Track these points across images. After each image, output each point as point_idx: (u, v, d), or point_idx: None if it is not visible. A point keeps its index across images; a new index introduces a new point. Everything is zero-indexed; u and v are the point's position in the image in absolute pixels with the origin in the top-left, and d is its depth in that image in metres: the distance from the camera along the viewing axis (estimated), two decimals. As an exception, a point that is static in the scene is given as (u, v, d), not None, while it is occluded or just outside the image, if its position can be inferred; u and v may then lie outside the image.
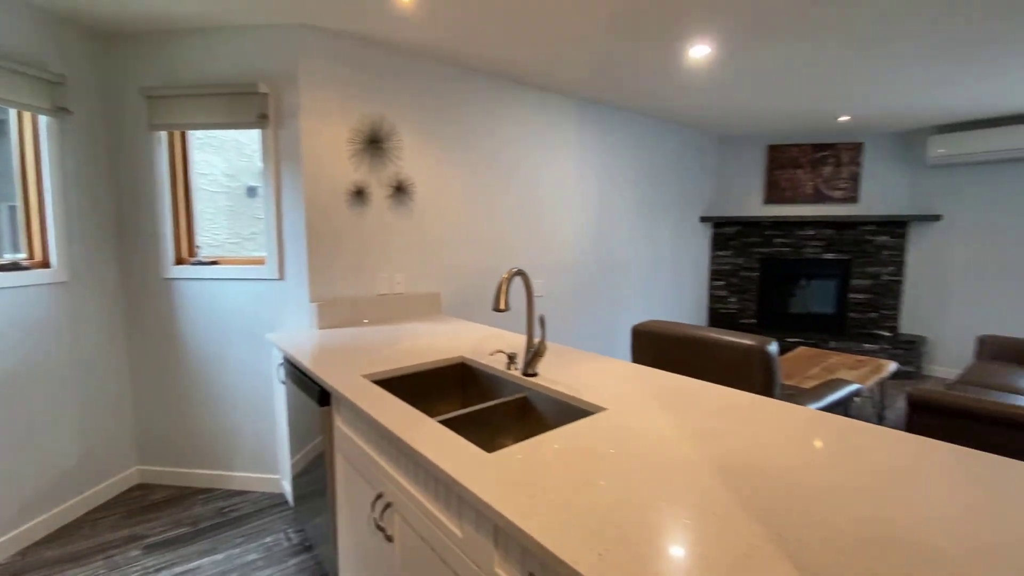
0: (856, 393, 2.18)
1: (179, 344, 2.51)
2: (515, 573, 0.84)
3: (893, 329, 4.68)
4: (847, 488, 0.88)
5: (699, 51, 2.60)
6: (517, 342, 2.05)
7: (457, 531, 0.99)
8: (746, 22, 2.25)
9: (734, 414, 1.25)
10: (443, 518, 1.04)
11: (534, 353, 1.56)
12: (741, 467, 0.96)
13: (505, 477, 0.93)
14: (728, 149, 4.90)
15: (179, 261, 2.51)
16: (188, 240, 2.57)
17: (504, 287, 1.36)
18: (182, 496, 2.44)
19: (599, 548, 0.72)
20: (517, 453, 1.03)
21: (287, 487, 2.31)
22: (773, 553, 0.70)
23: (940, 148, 4.25)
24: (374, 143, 2.55)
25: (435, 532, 1.07)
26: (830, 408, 2.08)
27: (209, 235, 4.13)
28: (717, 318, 5.10)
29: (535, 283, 3.44)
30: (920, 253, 4.57)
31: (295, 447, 2.06)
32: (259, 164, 4.84)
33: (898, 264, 4.62)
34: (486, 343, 2.03)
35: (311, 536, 1.93)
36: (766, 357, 1.86)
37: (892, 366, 3.16)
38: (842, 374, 2.98)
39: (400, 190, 2.65)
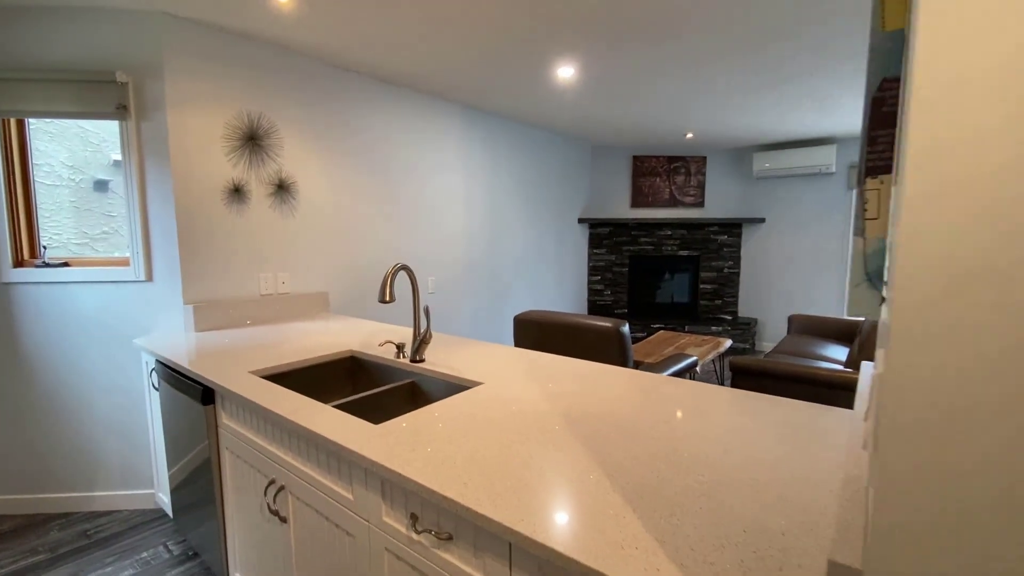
0: (693, 364, 2.65)
1: (22, 357, 2.25)
2: (400, 517, 1.00)
3: (734, 313, 5.56)
4: (654, 422, 1.17)
5: (565, 71, 2.93)
6: (406, 334, 2.18)
7: (348, 495, 1.13)
8: (601, 50, 2.60)
9: (585, 380, 1.52)
10: (335, 487, 1.16)
11: (421, 341, 1.72)
12: (582, 415, 1.22)
13: (390, 441, 1.08)
14: (600, 158, 5.44)
15: (19, 263, 2.25)
16: (29, 240, 2.31)
17: (389, 280, 1.50)
18: (32, 524, 2.20)
19: (464, 480, 0.91)
20: (402, 423, 1.19)
21: (164, 499, 2.20)
22: (591, 467, 0.95)
23: (764, 163, 5.15)
24: (252, 140, 2.50)
25: (328, 501, 1.19)
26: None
27: (48, 235, 3.70)
28: (595, 309, 5.63)
29: (428, 280, 3.58)
30: (751, 249, 5.49)
31: (173, 455, 1.99)
32: (109, 155, 4.34)
33: (736, 259, 5.50)
34: (375, 336, 2.13)
35: (196, 544, 1.89)
36: (620, 336, 2.21)
37: (727, 343, 3.81)
38: (690, 351, 3.53)
39: (282, 188, 2.63)
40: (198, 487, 1.81)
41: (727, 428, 1.13)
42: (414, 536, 0.97)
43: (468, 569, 0.88)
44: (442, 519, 0.92)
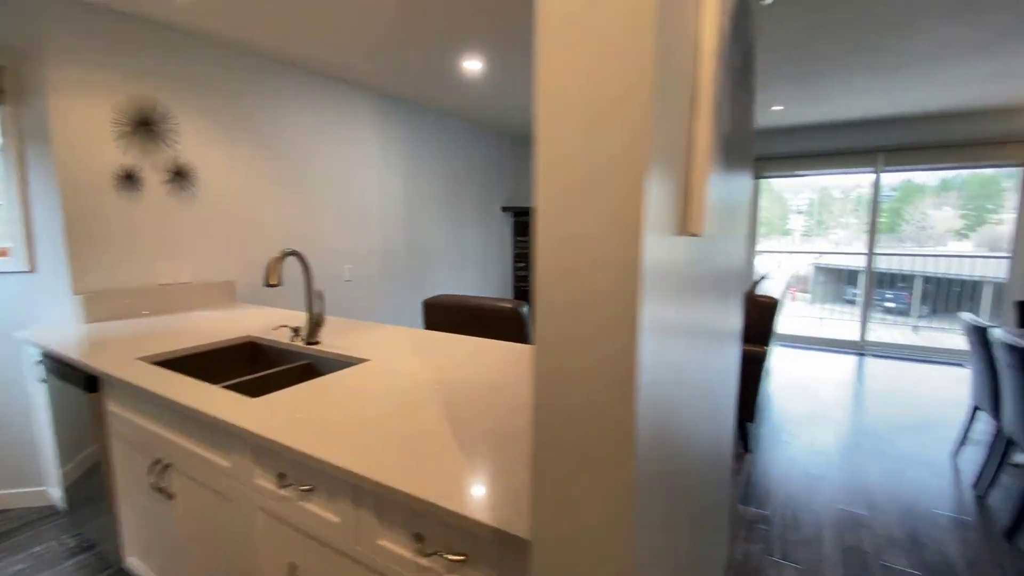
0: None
1: None
2: (270, 478, 1.11)
3: (649, 296, 5.94)
4: (515, 384, 1.34)
5: (472, 63, 3.04)
6: (304, 318, 2.24)
7: (226, 463, 1.21)
8: (506, 41, 2.74)
9: (469, 354, 1.67)
10: (215, 458, 1.24)
11: (315, 324, 1.80)
12: (453, 382, 1.37)
13: (264, 412, 1.18)
14: (519, 148, 5.61)
15: None
16: None
17: (273, 265, 1.57)
18: (-97, 530, 2.08)
19: (324, 439, 1.02)
20: (281, 396, 1.28)
21: (56, 494, 2.15)
22: (440, 421, 1.09)
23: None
24: (145, 125, 2.43)
25: (208, 472, 1.26)
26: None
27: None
28: (521, 294, 5.84)
29: (344, 268, 3.60)
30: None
31: (65, 449, 1.95)
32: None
33: (650, 244, 5.87)
34: (277, 322, 2.18)
35: (91, 536, 1.88)
36: (519, 316, 2.39)
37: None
38: (598, 331, 3.79)
39: (180, 175, 2.57)
40: (90, 478, 1.80)
41: (571, 387, 1.32)
42: (281, 492, 1.08)
43: (326, 514, 1.00)
44: (304, 475, 1.04)
